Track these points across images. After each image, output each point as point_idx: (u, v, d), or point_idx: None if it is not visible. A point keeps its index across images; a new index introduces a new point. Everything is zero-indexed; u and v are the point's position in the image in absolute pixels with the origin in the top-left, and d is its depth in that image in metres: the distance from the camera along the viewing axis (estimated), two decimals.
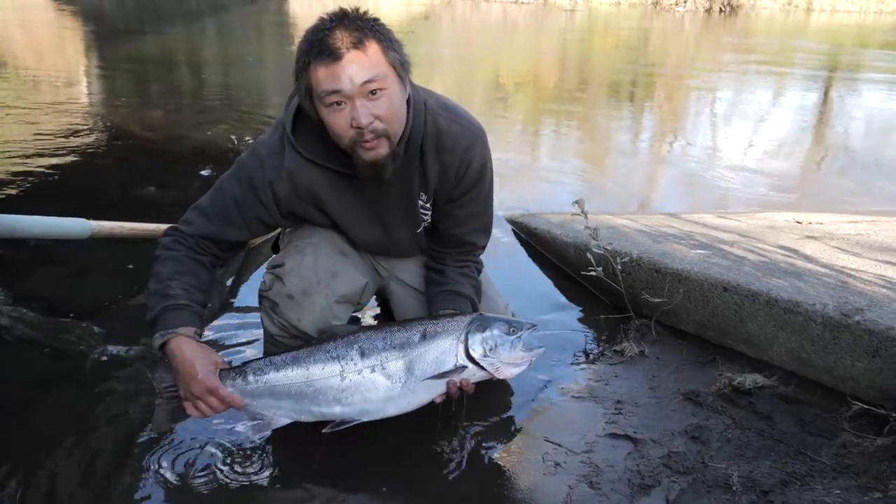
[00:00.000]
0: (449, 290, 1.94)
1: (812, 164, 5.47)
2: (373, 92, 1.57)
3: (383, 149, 1.65)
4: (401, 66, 1.64)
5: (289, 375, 1.68)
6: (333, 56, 1.54)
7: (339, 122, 1.60)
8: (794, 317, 2.15)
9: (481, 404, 1.93)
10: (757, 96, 8.30)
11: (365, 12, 1.63)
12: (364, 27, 1.57)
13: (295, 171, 1.77)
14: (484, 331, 1.69)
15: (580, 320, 2.62)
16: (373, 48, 1.57)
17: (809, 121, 7.08)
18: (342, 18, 1.58)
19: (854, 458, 1.78)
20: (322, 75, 1.56)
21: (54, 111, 5.82)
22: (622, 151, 5.65)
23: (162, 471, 1.75)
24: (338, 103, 1.58)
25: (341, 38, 1.54)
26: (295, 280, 1.86)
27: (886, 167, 5.34)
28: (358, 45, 1.55)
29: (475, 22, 18.29)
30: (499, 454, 1.87)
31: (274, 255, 2.03)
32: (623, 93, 8.46)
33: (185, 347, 1.63)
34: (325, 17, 1.60)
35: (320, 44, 1.55)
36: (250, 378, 1.68)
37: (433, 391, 1.70)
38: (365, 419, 1.70)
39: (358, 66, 1.55)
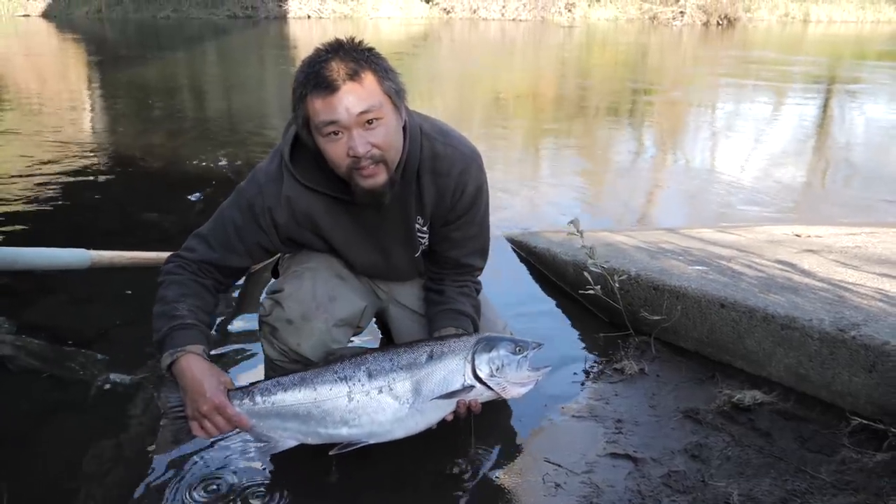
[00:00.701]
0: (449, 308, 1.96)
1: (812, 176, 5.49)
2: (369, 122, 1.60)
3: (381, 176, 1.67)
4: (396, 95, 1.67)
5: (296, 396, 1.69)
6: (330, 88, 1.57)
7: (336, 151, 1.63)
8: (792, 332, 2.16)
9: (481, 425, 1.94)
10: (755, 110, 8.34)
11: (360, 42, 1.66)
12: (359, 58, 1.60)
13: (293, 198, 1.80)
14: (490, 350, 1.70)
15: (580, 339, 2.63)
16: (368, 79, 1.60)
17: (808, 134, 7.10)
18: (338, 50, 1.61)
19: (853, 475, 1.78)
20: (319, 107, 1.59)
21: (55, 138, 5.88)
22: (621, 167, 5.67)
23: (164, 497, 1.76)
24: (335, 133, 1.61)
25: (337, 70, 1.57)
26: (294, 305, 1.88)
27: (887, 179, 5.35)
28: (354, 76, 1.58)
29: (474, 40, 18.42)
30: (499, 475, 1.87)
31: (273, 281, 2.05)
32: (622, 108, 8.50)
33: (195, 365, 1.64)
34: (321, 48, 1.63)
35: (316, 76, 1.58)
36: (258, 398, 1.69)
37: (441, 412, 1.71)
38: (372, 441, 1.70)
39: (354, 97, 1.57)
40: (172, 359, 1.64)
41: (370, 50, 1.65)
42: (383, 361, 1.70)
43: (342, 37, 1.66)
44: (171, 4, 23.26)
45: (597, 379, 2.33)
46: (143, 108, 7.77)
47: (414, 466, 1.88)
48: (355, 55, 1.61)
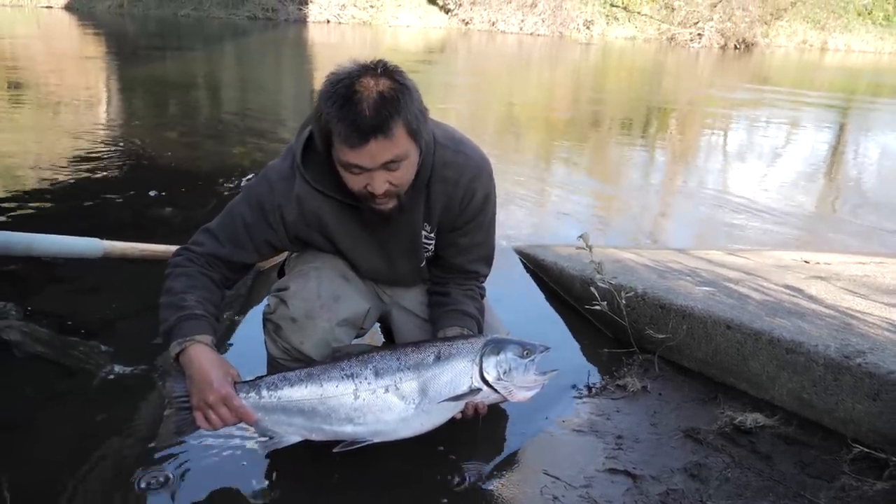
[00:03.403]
0: (455, 309, 1.97)
1: (822, 204, 5.47)
2: (392, 162, 1.62)
3: (391, 204, 1.72)
4: (420, 135, 1.65)
5: (302, 392, 1.69)
6: (360, 140, 1.55)
7: (354, 183, 1.66)
8: (796, 357, 2.15)
9: (479, 435, 1.94)
10: (769, 137, 8.32)
11: (393, 71, 1.61)
12: (392, 104, 1.55)
13: (303, 198, 1.81)
14: (498, 353, 1.71)
15: (583, 353, 2.62)
16: (398, 132, 1.58)
17: (820, 163, 7.08)
18: (372, 86, 1.55)
19: (853, 502, 1.77)
20: (345, 150, 1.59)
21: (73, 131, 5.92)
22: (632, 186, 5.68)
23: (164, 490, 1.76)
24: (357, 168, 1.62)
25: (369, 121, 1.53)
26: (298, 303, 1.89)
27: None
28: (385, 131, 1.55)
29: (491, 52, 18.47)
30: (497, 485, 1.86)
31: (279, 279, 2.06)
32: (635, 127, 8.51)
33: (203, 355, 1.64)
34: (353, 74, 1.58)
35: (347, 123, 1.54)
36: (264, 392, 1.69)
37: (447, 413, 1.72)
38: (377, 440, 1.71)
39: (381, 147, 1.57)
40: (181, 348, 1.64)
41: (402, 87, 1.59)
42: (390, 360, 1.70)
43: (375, 62, 1.60)
44: (191, 3, 23.39)
45: (599, 394, 2.32)
46: (160, 104, 7.82)
47: (406, 473, 1.88)
48: (388, 98, 1.55)
